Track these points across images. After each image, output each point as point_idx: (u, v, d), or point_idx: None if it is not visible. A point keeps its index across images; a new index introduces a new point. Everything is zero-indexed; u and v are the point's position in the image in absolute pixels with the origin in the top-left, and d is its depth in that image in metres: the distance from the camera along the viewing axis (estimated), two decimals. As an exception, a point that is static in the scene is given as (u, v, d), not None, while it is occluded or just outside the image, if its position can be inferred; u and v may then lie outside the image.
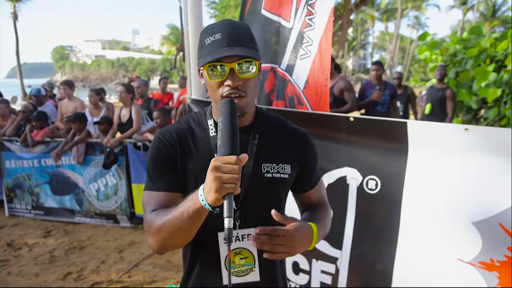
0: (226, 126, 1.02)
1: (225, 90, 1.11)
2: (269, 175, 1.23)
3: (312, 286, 2.13)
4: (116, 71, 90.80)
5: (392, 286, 1.86)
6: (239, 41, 1.10)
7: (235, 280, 1.23)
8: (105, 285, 3.48)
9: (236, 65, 1.09)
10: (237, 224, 1.21)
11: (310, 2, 2.25)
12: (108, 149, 4.84)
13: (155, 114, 4.97)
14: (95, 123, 5.24)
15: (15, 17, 28.80)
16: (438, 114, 5.66)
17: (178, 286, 3.34)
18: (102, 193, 5.07)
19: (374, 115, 5.09)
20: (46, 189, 5.35)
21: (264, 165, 1.23)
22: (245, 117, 1.21)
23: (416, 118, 6.32)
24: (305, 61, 2.33)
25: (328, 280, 2.06)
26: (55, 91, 9.76)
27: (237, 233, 1.22)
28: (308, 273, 2.14)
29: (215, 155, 1.17)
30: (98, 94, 5.75)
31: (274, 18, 2.48)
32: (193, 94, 2.42)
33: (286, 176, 1.26)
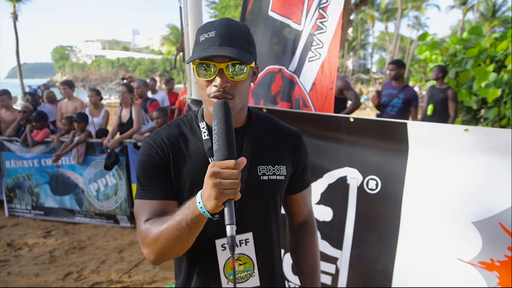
0: (222, 129, 0.97)
1: (212, 90, 1.07)
2: (265, 177, 1.19)
3: (312, 286, 2.12)
4: (116, 71, 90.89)
5: (392, 286, 1.86)
6: (233, 42, 1.05)
7: None
8: (105, 285, 3.48)
9: (226, 66, 1.05)
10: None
11: (322, 6, 2.25)
12: (109, 150, 4.84)
13: (155, 114, 4.96)
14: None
15: (15, 17, 28.78)
16: (441, 114, 5.57)
17: None
18: (102, 193, 5.07)
19: (383, 117, 5.05)
20: (46, 189, 5.35)
21: (259, 168, 1.19)
22: (236, 119, 1.16)
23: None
24: (314, 63, 2.32)
25: (328, 280, 2.06)
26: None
27: None
28: (308, 273, 2.13)
29: (210, 159, 1.14)
30: (98, 94, 5.75)
31: (283, 19, 2.47)
32: (193, 94, 2.42)
33: (282, 177, 1.23)
